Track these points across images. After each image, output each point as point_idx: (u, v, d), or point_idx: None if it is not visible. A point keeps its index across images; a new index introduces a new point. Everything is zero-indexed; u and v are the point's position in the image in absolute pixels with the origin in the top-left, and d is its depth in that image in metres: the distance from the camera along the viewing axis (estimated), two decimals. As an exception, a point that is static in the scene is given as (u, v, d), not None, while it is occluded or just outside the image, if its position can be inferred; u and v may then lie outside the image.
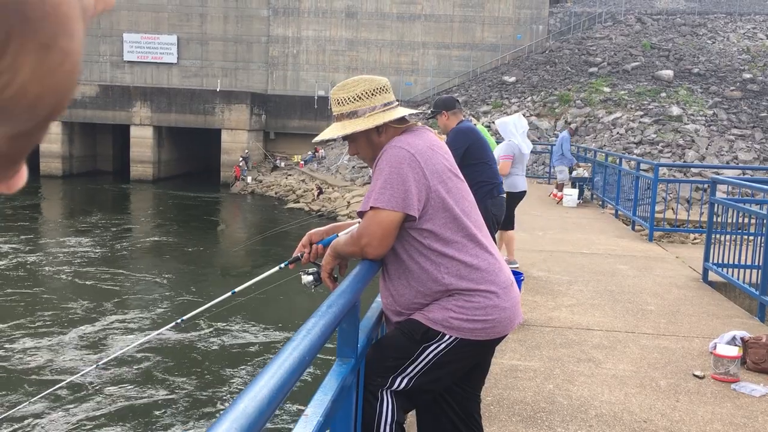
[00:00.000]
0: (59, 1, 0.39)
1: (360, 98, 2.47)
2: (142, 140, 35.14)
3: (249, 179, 32.65)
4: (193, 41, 37.97)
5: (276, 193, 30.26)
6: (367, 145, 2.52)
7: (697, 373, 4.51)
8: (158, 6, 37.74)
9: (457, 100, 6.07)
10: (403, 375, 2.41)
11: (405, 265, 2.42)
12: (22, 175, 0.45)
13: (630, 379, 4.42)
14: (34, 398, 6.71)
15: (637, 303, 6.37)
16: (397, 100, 2.61)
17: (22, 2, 0.37)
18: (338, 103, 2.50)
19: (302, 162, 33.65)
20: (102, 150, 38.98)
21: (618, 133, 25.83)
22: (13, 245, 18.71)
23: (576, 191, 14.70)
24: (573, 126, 17.01)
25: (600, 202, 15.10)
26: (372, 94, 2.47)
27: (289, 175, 32.59)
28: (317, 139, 2.67)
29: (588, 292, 6.71)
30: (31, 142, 0.42)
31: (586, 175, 15.43)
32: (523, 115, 29.75)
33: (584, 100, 28.78)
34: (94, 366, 4.77)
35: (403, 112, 2.51)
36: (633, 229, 11.61)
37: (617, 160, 14.57)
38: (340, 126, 2.50)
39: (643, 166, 12.53)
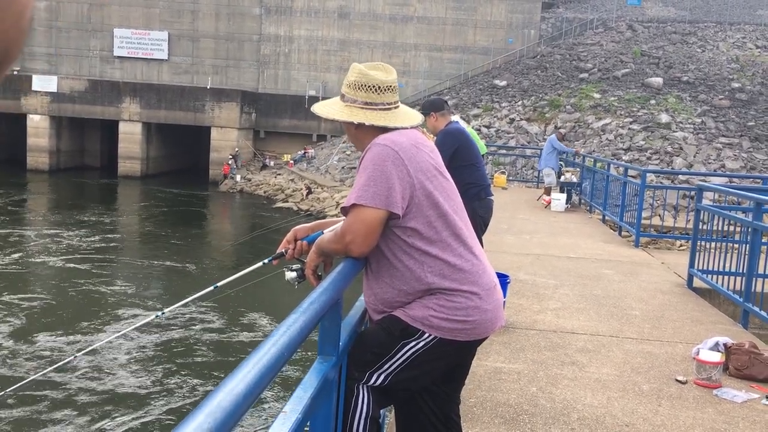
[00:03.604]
0: None
1: (350, 86, 2.48)
2: (130, 136, 34.95)
3: (238, 178, 32.55)
4: (184, 38, 37.82)
5: (265, 192, 30.17)
6: (348, 132, 2.56)
7: (680, 378, 4.53)
8: (150, 2, 37.56)
9: (446, 102, 6.06)
10: (380, 371, 2.39)
11: (389, 263, 2.40)
12: None
13: (613, 383, 4.42)
14: (11, 388, 6.63)
15: (621, 308, 6.38)
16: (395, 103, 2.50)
17: None
18: (345, 80, 2.54)
19: (292, 161, 33.58)
20: (90, 145, 38.74)
21: (607, 139, 25.96)
22: (-2, 239, 18.57)
23: (564, 196, 14.75)
24: (561, 131, 17.05)
25: (588, 207, 15.15)
26: (359, 88, 2.46)
27: (279, 174, 32.51)
28: (315, 108, 2.62)
29: (573, 296, 6.72)
30: None
31: (575, 180, 15.48)
32: (514, 119, 29.83)
33: (574, 105, 28.90)
34: (73, 357, 4.74)
35: (375, 119, 2.42)
36: (620, 234, 11.65)
37: (605, 166, 14.62)
38: (329, 102, 2.57)
39: (630, 172, 12.58)
